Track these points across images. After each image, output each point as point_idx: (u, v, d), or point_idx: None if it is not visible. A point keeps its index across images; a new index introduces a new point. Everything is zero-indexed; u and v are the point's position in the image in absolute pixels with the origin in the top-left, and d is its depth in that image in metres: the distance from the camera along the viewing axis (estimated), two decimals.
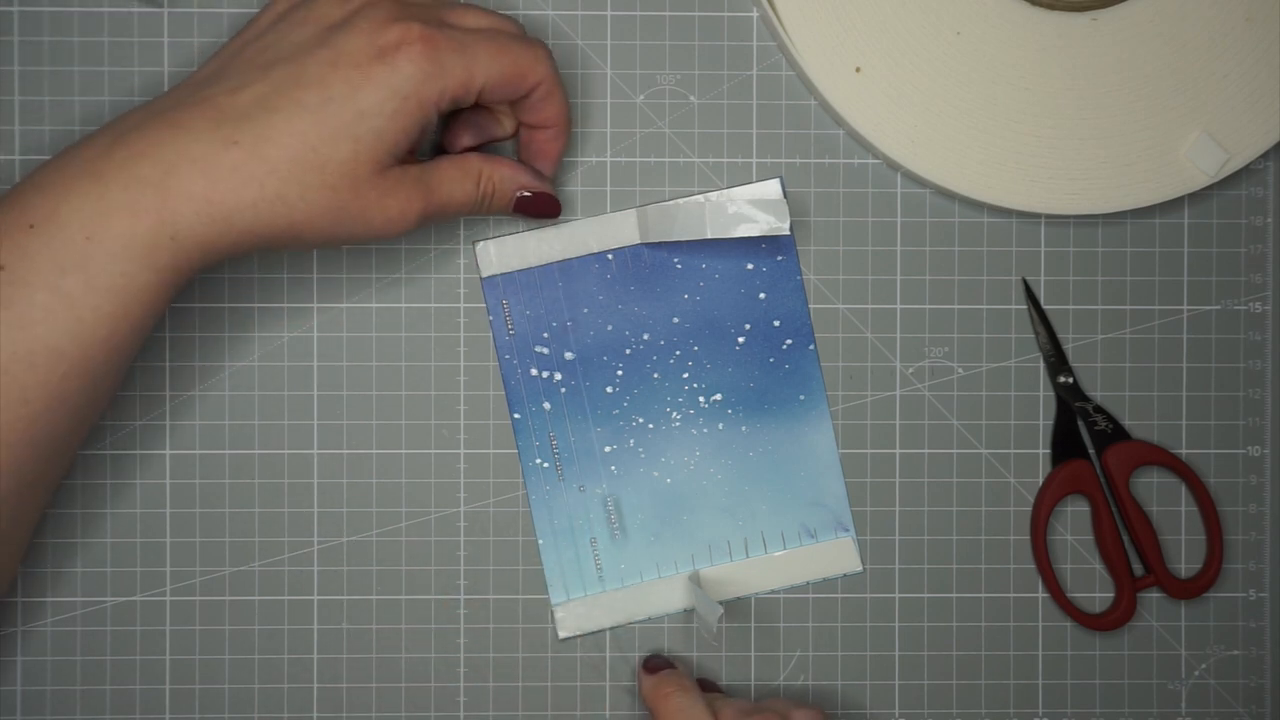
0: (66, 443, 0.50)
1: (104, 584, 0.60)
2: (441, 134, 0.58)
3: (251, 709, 0.60)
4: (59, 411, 0.49)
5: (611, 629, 0.60)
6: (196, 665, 0.60)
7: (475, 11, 0.54)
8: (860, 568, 0.61)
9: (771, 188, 0.60)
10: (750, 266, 0.60)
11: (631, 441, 0.60)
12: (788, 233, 0.58)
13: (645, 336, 0.60)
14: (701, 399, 0.60)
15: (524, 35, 0.54)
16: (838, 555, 0.61)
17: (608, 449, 0.60)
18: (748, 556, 0.60)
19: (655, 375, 0.60)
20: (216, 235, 0.49)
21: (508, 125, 0.57)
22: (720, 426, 0.60)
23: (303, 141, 0.49)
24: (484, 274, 0.60)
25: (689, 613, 0.60)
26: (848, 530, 0.61)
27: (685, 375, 0.60)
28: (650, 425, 0.60)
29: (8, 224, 0.48)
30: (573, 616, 0.60)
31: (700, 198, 0.60)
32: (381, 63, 0.50)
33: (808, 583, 0.61)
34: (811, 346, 0.60)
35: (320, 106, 0.49)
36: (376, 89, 0.50)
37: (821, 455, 0.61)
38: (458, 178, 0.55)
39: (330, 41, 0.50)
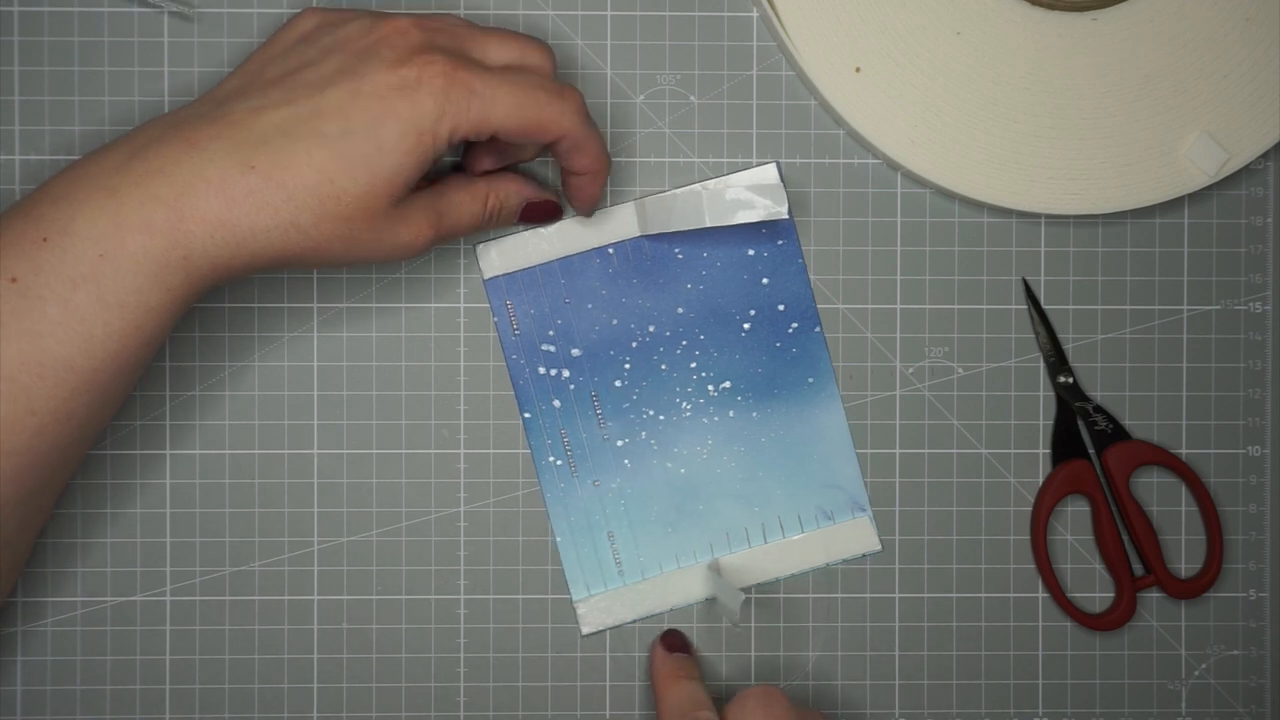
0: (71, 454, 0.50)
1: (104, 584, 0.60)
2: (463, 155, 0.57)
3: (251, 709, 0.60)
4: (65, 424, 0.48)
5: (634, 622, 0.60)
6: (196, 665, 0.60)
7: (502, 40, 0.53)
8: (879, 546, 0.61)
9: (768, 172, 0.60)
10: (751, 252, 0.60)
11: (643, 434, 0.60)
12: (787, 216, 0.58)
13: (650, 328, 0.60)
14: (710, 387, 0.60)
15: (552, 81, 0.53)
16: (855, 535, 0.61)
17: (620, 443, 0.60)
18: (766, 542, 0.61)
19: (663, 366, 0.60)
20: (229, 257, 0.49)
21: (530, 150, 0.56)
22: (731, 414, 0.60)
23: (320, 172, 0.49)
24: (486, 276, 0.60)
25: (711, 601, 0.60)
26: (864, 510, 0.61)
27: (693, 365, 0.60)
28: (661, 417, 0.60)
29: (20, 236, 0.48)
30: (595, 612, 0.60)
31: (698, 186, 0.60)
32: (403, 97, 0.49)
33: (828, 564, 0.61)
34: (817, 329, 0.60)
35: (339, 138, 0.49)
36: (397, 123, 0.49)
37: (834, 437, 0.61)
38: (466, 201, 0.55)
39: (354, 69, 0.50)
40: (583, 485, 0.60)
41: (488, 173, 0.57)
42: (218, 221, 0.48)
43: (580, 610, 0.60)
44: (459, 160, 0.58)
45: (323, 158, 0.49)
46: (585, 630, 0.60)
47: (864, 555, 0.61)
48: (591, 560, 0.60)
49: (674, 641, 0.59)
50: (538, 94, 0.51)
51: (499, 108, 0.50)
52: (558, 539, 0.60)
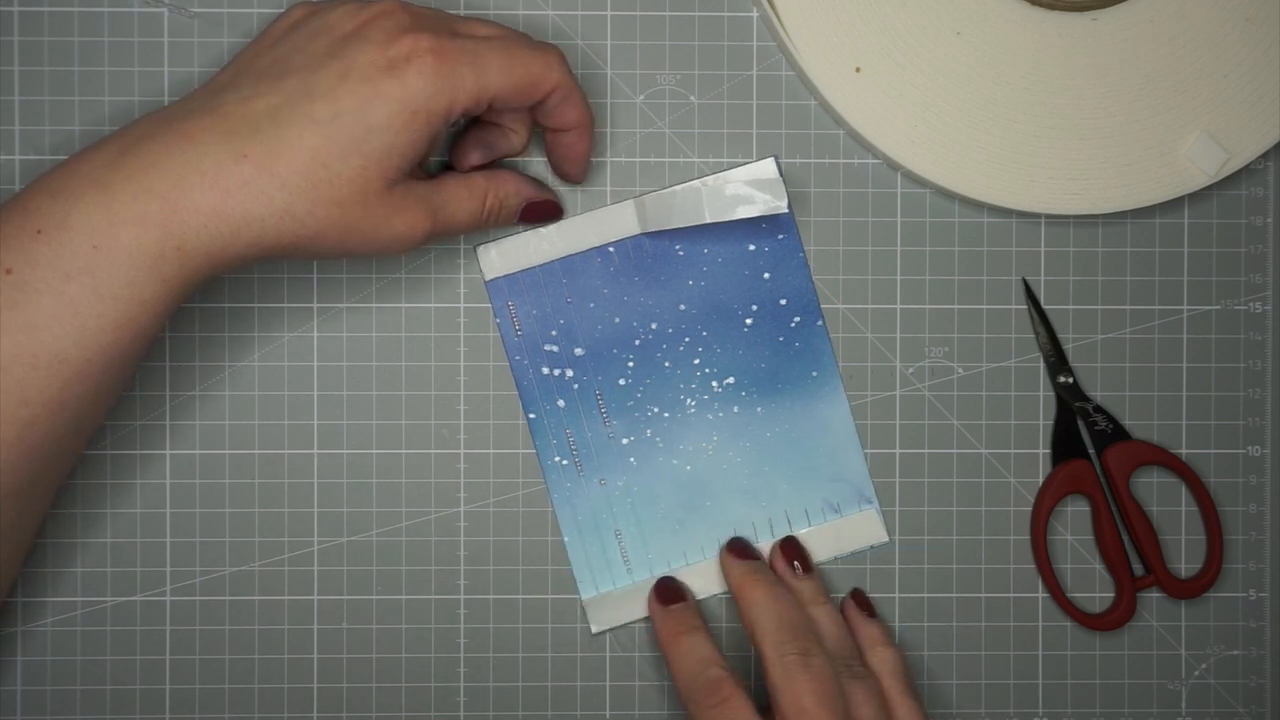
0: (66, 447, 0.50)
1: (104, 584, 0.60)
2: (449, 151, 0.58)
3: (251, 709, 0.60)
4: (59, 416, 0.49)
5: (643, 620, 0.60)
6: (196, 665, 0.60)
7: (487, 23, 0.54)
8: (886, 539, 0.61)
9: (767, 166, 0.60)
10: (752, 248, 0.60)
11: (649, 432, 0.60)
12: (786, 210, 0.58)
13: (653, 326, 0.60)
14: (714, 384, 0.60)
15: (534, 42, 0.54)
16: (863, 528, 0.61)
17: (625, 441, 0.60)
18: (773, 537, 0.61)
19: (666, 364, 0.60)
20: (223, 247, 0.49)
21: (517, 142, 0.56)
22: (735, 409, 0.60)
23: (312, 157, 0.49)
24: (487, 277, 0.60)
25: (719, 597, 0.60)
26: (871, 502, 0.61)
27: (696, 361, 0.60)
28: (666, 414, 0.60)
29: (16, 230, 0.48)
30: (604, 610, 0.60)
31: (697, 183, 0.60)
32: (391, 76, 0.49)
33: (836, 558, 0.61)
34: (820, 322, 0.60)
35: (330, 121, 0.49)
36: (386, 103, 0.49)
37: (838, 430, 0.61)
38: (464, 197, 0.55)
39: (341, 53, 0.50)
40: (589, 484, 0.60)
41: (481, 169, 0.57)
42: (212, 212, 0.48)
43: (590, 609, 0.60)
44: (447, 160, 0.59)
45: (315, 141, 0.49)
46: (595, 629, 0.60)
47: (871, 547, 0.61)
48: (599, 559, 0.60)
49: (668, 593, 0.59)
50: (523, 52, 0.52)
51: (492, 72, 0.51)
52: (565, 539, 0.60)
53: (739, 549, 0.59)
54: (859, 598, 0.60)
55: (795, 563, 0.59)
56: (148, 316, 0.49)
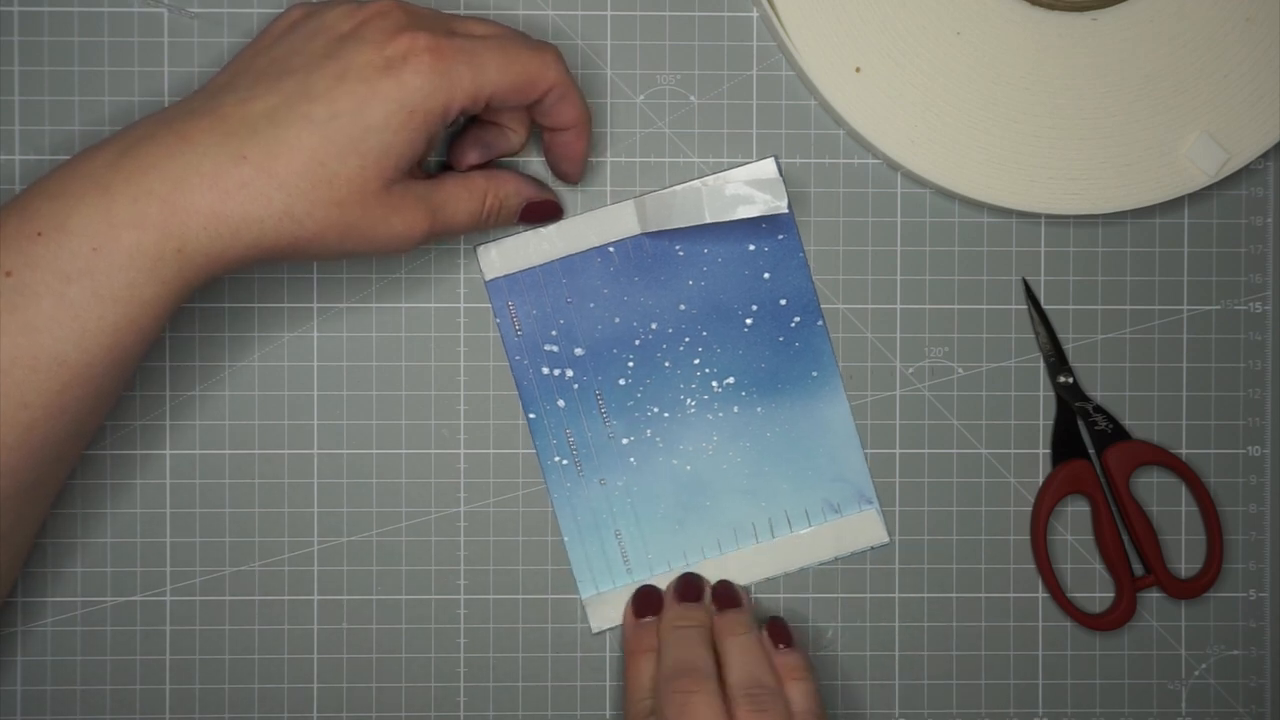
0: (67, 449, 0.50)
1: (104, 584, 0.60)
2: (447, 151, 0.58)
3: (251, 709, 0.60)
4: (59, 419, 0.49)
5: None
6: (196, 665, 0.60)
7: (484, 22, 0.54)
8: (886, 539, 0.61)
9: (767, 167, 0.60)
10: (752, 248, 0.60)
11: (649, 431, 0.60)
12: (786, 211, 0.58)
13: (653, 326, 0.60)
14: (714, 384, 0.60)
15: (532, 41, 0.54)
16: (863, 528, 0.61)
17: (625, 441, 0.60)
18: (773, 537, 0.61)
19: (666, 364, 0.60)
20: (223, 249, 0.49)
21: (515, 141, 0.56)
22: (735, 409, 0.60)
23: (311, 157, 0.49)
24: (487, 277, 0.60)
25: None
26: (871, 503, 0.61)
27: (696, 361, 0.60)
28: (666, 414, 0.60)
29: (15, 232, 0.48)
30: (604, 610, 0.60)
31: (697, 183, 0.60)
32: (388, 76, 0.49)
33: (836, 558, 0.61)
34: (820, 322, 0.60)
35: (327, 121, 0.49)
36: (383, 103, 0.49)
37: (839, 430, 0.61)
38: (463, 197, 0.55)
39: (338, 53, 0.50)
40: (589, 484, 0.60)
41: (480, 169, 0.57)
42: (211, 214, 0.48)
43: (589, 608, 0.60)
44: (446, 160, 0.59)
45: (313, 142, 0.49)
46: (595, 628, 0.60)
47: (871, 548, 0.61)
48: (599, 558, 0.60)
49: (644, 605, 0.59)
50: (520, 50, 0.52)
51: (489, 71, 0.51)
52: (565, 538, 0.60)
53: (684, 590, 0.59)
54: (775, 628, 0.58)
55: (726, 607, 0.59)
56: (148, 318, 0.49)
